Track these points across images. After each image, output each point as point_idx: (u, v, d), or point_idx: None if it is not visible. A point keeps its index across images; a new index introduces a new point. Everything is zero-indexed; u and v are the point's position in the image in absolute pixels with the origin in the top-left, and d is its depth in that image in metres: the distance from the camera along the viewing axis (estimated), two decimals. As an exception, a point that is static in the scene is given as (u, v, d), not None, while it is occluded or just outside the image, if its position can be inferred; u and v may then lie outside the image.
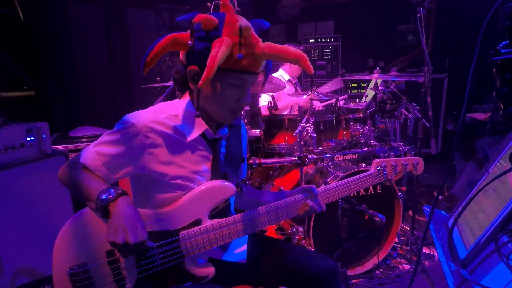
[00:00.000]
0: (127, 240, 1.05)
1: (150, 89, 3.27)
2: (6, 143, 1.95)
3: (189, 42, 1.14)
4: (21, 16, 2.90)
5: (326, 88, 3.73)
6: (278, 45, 1.15)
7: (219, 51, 1.07)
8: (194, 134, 1.25)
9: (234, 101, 1.22)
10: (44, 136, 2.12)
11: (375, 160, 1.49)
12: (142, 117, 1.21)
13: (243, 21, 1.13)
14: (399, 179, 3.26)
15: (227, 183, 1.27)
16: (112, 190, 1.13)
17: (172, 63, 1.27)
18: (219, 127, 1.32)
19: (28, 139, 2.05)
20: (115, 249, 1.12)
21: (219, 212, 1.28)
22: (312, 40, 5.54)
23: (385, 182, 1.51)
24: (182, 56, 1.22)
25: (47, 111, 3.26)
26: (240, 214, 1.28)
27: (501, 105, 0.96)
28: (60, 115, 3.43)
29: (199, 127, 1.26)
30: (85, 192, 1.16)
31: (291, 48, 1.15)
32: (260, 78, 1.30)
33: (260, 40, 1.17)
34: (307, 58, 1.15)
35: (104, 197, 1.11)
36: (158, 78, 2.99)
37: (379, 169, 1.47)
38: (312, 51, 5.49)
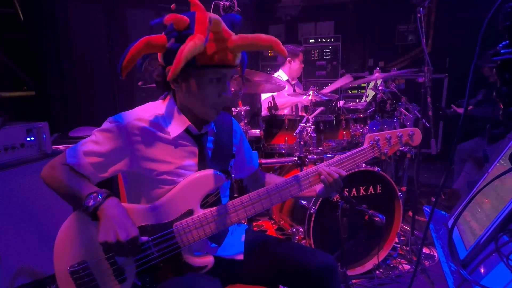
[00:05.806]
0: (118, 238, 1.09)
1: (150, 89, 3.27)
2: (6, 143, 1.95)
3: (168, 44, 1.17)
4: (21, 16, 2.90)
5: (333, 86, 3.65)
6: (250, 35, 1.17)
7: (187, 45, 1.10)
8: (178, 130, 1.28)
9: (215, 96, 1.25)
10: (44, 136, 2.12)
11: (368, 135, 1.43)
12: (127, 116, 1.25)
13: (212, 15, 1.16)
14: (399, 180, 3.28)
15: (216, 172, 1.29)
16: (96, 195, 1.15)
17: (152, 67, 1.30)
18: (204, 123, 1.34)
19: (28, 139, 2.05)
20: (111, 249, 1.14)
21: (210, 205, 1.30)
22: (312, 40, 5.54)
23: (380, 156, 1.44)
24: (160, 58, 1.25)
25: (47, 111, 3.25)
26: (232, 201, 1.29)
27: (501, 105, 0.96)
28: (60, 115, 3.43)
29: (182, 124, 1.28)
30: (70, 195, 1.19)
31: (262, 35, 1.17)
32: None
33: (233, 34, 1.19)
34: (280, 42, 1.17)
35: (90, 204, 1.14)
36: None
37: (372, 143, 1.42)
38: (312, 51, 5.48)
